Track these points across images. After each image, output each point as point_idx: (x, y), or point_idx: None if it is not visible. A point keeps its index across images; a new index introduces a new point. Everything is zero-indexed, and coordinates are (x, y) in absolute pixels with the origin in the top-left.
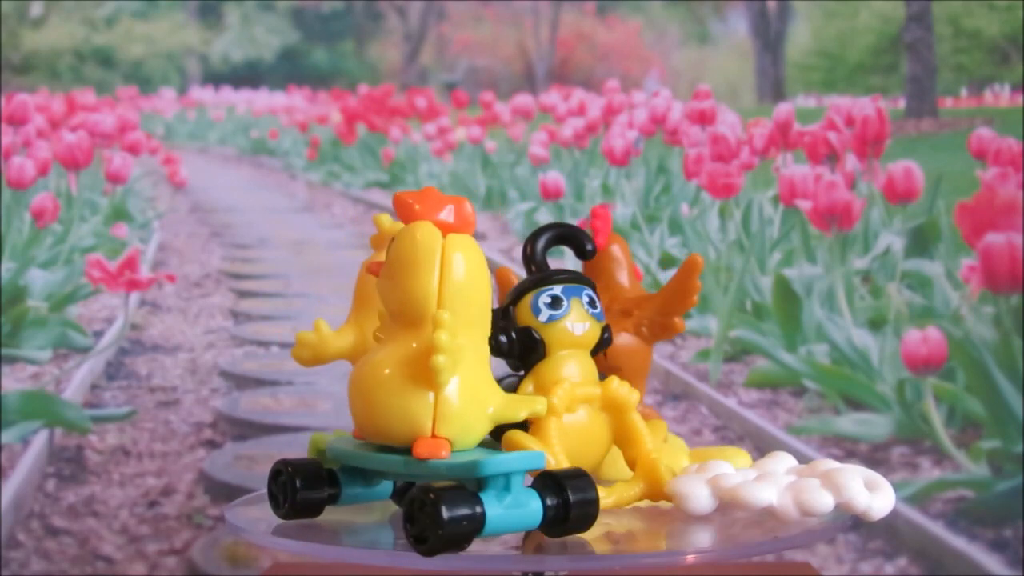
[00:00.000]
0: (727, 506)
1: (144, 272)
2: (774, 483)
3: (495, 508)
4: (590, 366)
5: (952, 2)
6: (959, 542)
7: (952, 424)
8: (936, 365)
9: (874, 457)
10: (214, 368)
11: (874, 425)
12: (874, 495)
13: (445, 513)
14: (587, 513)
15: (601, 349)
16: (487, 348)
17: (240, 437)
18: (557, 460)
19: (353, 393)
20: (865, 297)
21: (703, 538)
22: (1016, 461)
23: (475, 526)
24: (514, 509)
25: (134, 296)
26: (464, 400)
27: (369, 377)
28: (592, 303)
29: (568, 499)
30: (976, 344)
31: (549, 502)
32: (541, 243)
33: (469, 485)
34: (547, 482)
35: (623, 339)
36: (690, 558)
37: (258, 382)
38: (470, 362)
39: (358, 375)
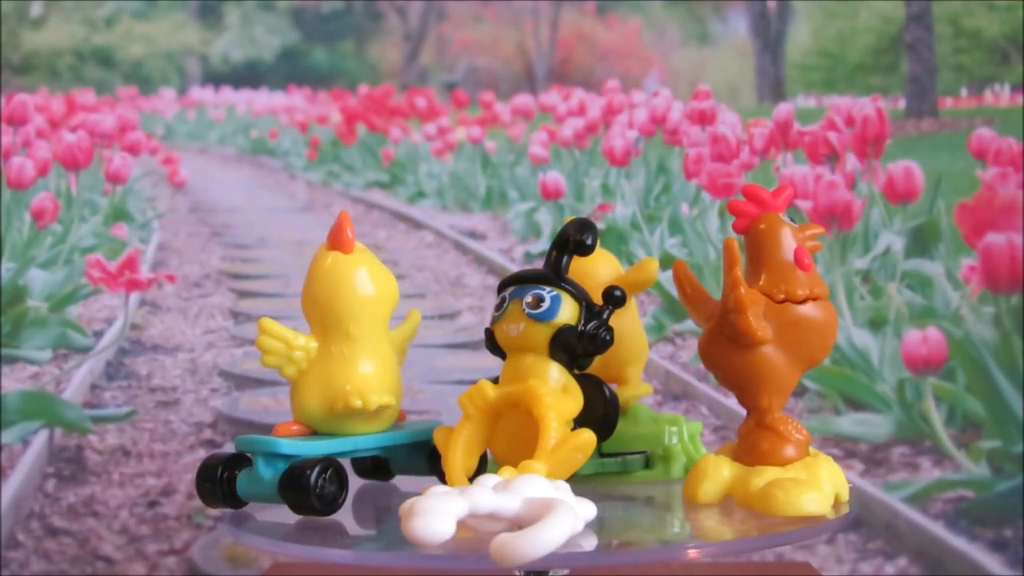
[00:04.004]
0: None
1: (144, 272)
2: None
3: (243, 477)
4: (527, 368)
5: (952, 2)
6: (959, 542)
7: (952, 424)
8: (936, 365)
9: (874, 457)
10: (214, 368)
11: (874, 425)
12: (521, 533)
13: (201, 473)
14: (301, 498)
15: (595, 350)
16: (353, 348)
17: None
18: (448, 459)
19: None
20: (865, 297)
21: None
22: (1016, 461)
23: (224, 488)
24: (254, 482)
25: (134, 296)
26: (306, 392)
27: None
28: (536, 304)
29: (285, 480)
30: (976, 344)
31: (282, 481)
32: (551, 250)
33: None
34: (287, 465)
35: (709, 341)
36: (691, 553)
37: (258, 382)
38: (323, 360)
39: None
